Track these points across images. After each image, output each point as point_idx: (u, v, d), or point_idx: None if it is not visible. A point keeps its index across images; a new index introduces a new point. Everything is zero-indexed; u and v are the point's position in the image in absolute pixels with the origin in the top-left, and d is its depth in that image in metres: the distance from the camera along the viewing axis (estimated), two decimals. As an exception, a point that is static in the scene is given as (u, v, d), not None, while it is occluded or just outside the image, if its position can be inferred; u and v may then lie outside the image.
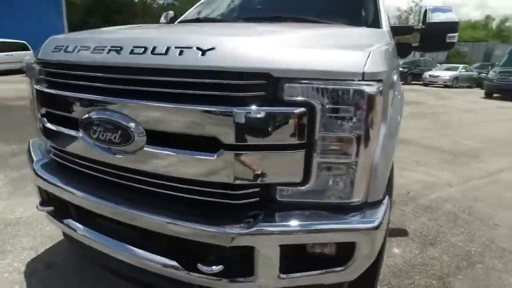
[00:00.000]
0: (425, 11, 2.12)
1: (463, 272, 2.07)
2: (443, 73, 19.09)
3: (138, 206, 1.10)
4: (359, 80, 0.98)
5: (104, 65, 1.12)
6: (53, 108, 1.31)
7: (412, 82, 19.90)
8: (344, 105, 0.98)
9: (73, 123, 1.25)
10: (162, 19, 3.09)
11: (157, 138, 1.07)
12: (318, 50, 1.03)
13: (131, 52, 1.08)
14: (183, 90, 1.01)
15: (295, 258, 1.07)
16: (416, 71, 20.49)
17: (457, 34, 2.08)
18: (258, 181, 1.03)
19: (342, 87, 0.97)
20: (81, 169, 1.31)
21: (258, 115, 0.95)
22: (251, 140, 0.98)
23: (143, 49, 1.06)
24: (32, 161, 1.54)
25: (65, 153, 1.36)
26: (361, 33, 1.49)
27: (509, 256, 2.28)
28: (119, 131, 1.09)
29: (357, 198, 1.08)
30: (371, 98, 0.98)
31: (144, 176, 1.13)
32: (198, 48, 1.00)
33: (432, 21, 2.06)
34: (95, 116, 1.14)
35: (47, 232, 2.26)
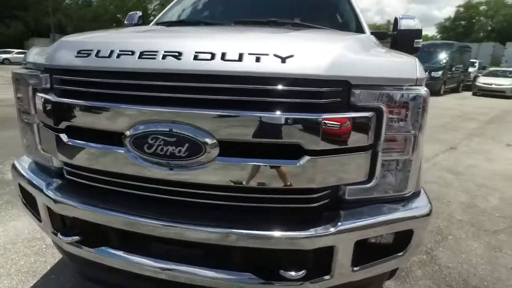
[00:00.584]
0: (396, 19, 2.39)
1: (441, 244, 2.41)
2: None
3: (217, 224, 1.04)
4: (411, 85, 1.10)
5: (161, 73, 1.03)
6: (82, 122, 1.14)
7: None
8: (406, 107, 1.08)
9: (111, 138, 1.12)
10: (126, 22, 2.86)
11: (229, 148, 1.03)
12: (383, 58, 1.13)
13: (195, 58, 1.02)
14: (261, 97, 0.99)
15: (364, 250, 1.15)
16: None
17: (421, 40, 2.40)
18: (335, 183, 1.08)
19: (405, 91, 1.07)
20: (118, 188, 1.18)
21: (340, 121, 1.00)
22: (332, 145, 1.02)
23: (210, 55, 1.01)
24: (33, 184, 1.32)
25: (93, 172, 1.20)
26: (374, 40, 1.63)
27: (466, 226, 2.73)
28: (186, 144, 1.02)
29: (410, 189, 1.20)
30: (425, 100, 1.11)
31: (211, 189, 1.08)
32: (276, 55, 0.99)
33: (402, 28, 2.33)
34: (151, 130, 1.04)
35: (24, 267, 1.93)
